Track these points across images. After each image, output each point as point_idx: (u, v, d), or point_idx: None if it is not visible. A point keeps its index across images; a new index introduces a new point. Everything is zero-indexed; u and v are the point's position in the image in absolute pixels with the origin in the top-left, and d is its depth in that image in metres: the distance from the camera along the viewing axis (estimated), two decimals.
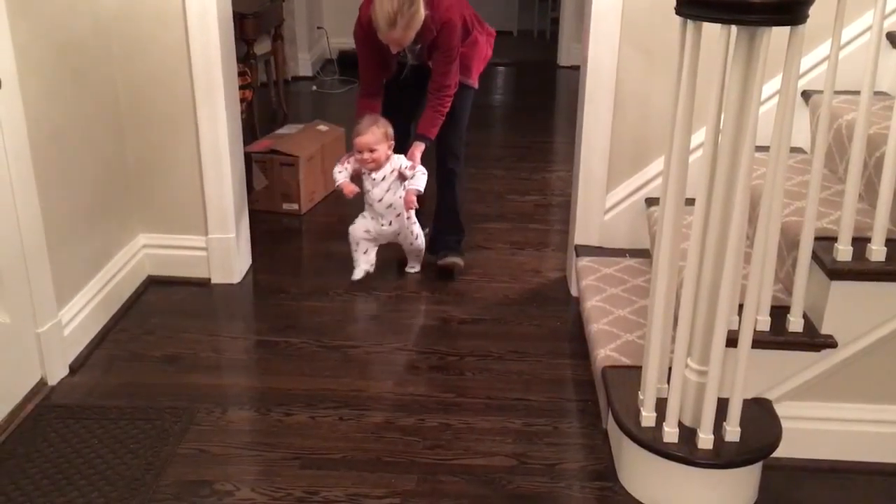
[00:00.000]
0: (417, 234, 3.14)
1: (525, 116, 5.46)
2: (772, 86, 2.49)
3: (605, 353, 2.31)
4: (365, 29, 2.87)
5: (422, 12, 2.79)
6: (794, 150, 2.37)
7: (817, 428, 2.17)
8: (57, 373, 2.52)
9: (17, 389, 2.37)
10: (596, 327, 2.46)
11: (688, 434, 1.99)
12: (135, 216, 3.10)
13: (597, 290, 2.67)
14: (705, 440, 1.95)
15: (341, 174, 3.07)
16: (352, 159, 3.05)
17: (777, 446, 2.00)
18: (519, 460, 2.22)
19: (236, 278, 3.20)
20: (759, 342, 1.98)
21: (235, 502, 2.06)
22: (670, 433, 1.97)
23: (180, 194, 3.09)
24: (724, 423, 1.97)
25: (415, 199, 3.01)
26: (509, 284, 3.20)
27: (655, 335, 1.96)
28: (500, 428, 2.35)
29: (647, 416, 2.02)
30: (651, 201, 2.87)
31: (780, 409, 2.11)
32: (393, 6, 2.72)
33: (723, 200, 1.82)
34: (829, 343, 2.05)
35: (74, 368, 2.59)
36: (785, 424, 2.05)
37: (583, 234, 3.02)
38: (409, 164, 3.00)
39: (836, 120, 2.40)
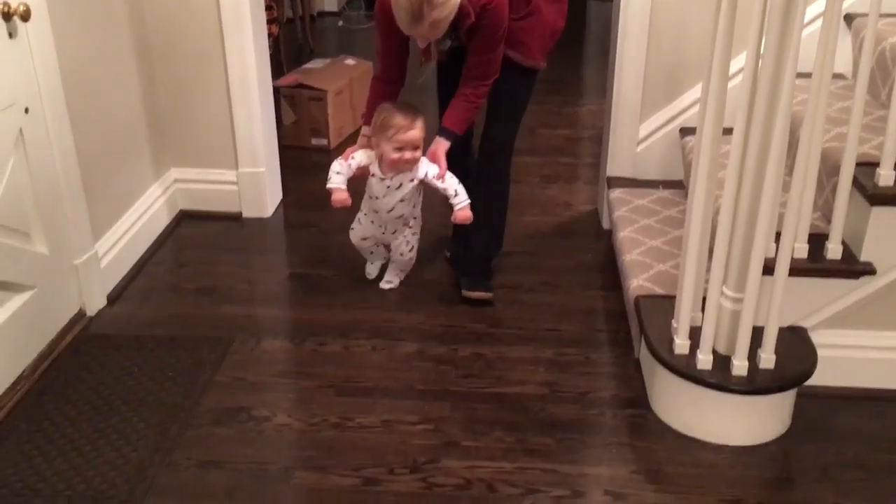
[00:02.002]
0: (413, 247, 2.67)
1: (555, 50, 5.35)
2: (812, 9, 2.42)
3: (638, 282, 2.30)
4: (387, 12, 2.24)
5: None
6: (835, 76, 2.31)
7: (853, 356, 2.16)
8: (95, 304, 2.56)
9: (57, 319, 2.42)
10: (629, 258, 2.44)
11: (722, 362, 1.99)
12: (166, 150, 3.11)
13: (629, 221, 2.65)
14: (739, 367, 1.95)
15: (339, 175, 2.48)
16: (359, 154, 2.48)
17: (812, 374, 2.00)
18: (551, 389, 2.24)
19: (267, 212, 3.21)
20: (797, 270, 1.96)
21: (273, 427, 2.10)
22: (704, 360, 1.97)
23: (210, 128, 3.09)
24: (759, 351, 1.96)
25: (470, 214, 2.44)
26: (540, 218, 3.18)
27: (690, 263, 1.95)
28: (532, 357, 2.36)
29: (681, 344, 2.02)
30: (686, 131, 2.82)
31: (816, 338, 2.10)
32: None
33: (763, 126, 1.78)
34: (867, 270, 2.03)
35: (112, 299, 2.63)
36: (820, 353, 2.04)
37: (615, 165, 2.98)
38: (436, 170, 2.44)
39: (880, 43, 2.33)
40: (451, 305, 2.63)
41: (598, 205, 3.19)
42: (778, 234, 1.93)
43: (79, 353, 2.36)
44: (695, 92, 2.80)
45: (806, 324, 2.12)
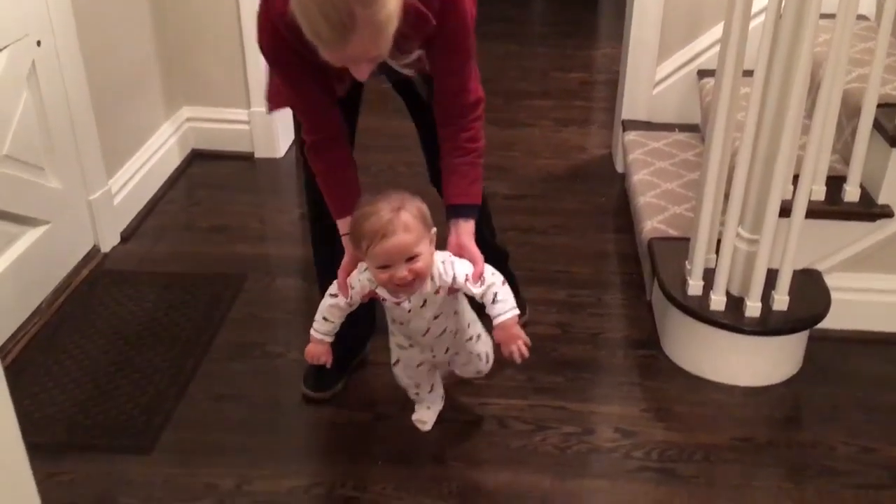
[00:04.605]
0: (489, 355, 1.83)
1: None
2: None
3: (651, 224, 2.30)
4: (286, 42, 1.47)
5: None
6: (858, 17, 2.26)
7: (866, 299, 2.15)
8: (109, 240, 2.57)
9: (71, 254, 2.43)
10: (643, 200, 2.43)
11: (735, 303, 1.99)
12: (178, 89, 3.08)
13: (644, 164, 2.63)
14: (753, 308, 1.95)
15: (327, 323, 1.71)
16: (356, 279, 1.65)
17: (825, 316, 1.99)
18: (563, 329, 2.25)
19: (279, 153, 3.20)
20: (813, 212, 1.95)
21: (286, 363, 2.12)
22: (717, 301, 1.97)
23: (222, 67, 3.06)
24: (773, 292, 1.96)
25: (520, 331, 1.62)
26: (553, 161, 3.16)
27: (707, 203, 1.94)
28: (544, 299, 2.36)
29: (694, 285, 2.01)
30: (703, 73, 2.78)
31: (830, 280, 2.09)
32: None
33: (784, 67, 1.75)
34: (885, 213, 2.01)
35: (126, 237, 2.64)
36: (834, 295, 2.04)
37: (631, 108, 2.95)
38: (468, 269, 1.61)
39: None
40: None
41: (613, 148, 3.16)
42: (795, 177, 1.91)
43: (94, 288, 2.38)
44: (714, 33, 2.75)
45: (820, 266, 2.12)
